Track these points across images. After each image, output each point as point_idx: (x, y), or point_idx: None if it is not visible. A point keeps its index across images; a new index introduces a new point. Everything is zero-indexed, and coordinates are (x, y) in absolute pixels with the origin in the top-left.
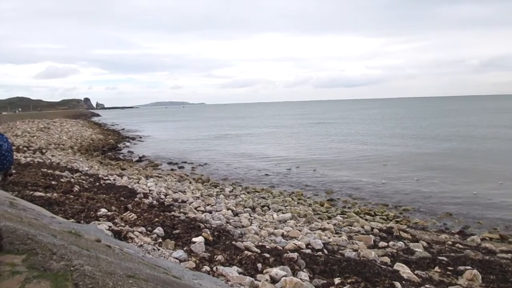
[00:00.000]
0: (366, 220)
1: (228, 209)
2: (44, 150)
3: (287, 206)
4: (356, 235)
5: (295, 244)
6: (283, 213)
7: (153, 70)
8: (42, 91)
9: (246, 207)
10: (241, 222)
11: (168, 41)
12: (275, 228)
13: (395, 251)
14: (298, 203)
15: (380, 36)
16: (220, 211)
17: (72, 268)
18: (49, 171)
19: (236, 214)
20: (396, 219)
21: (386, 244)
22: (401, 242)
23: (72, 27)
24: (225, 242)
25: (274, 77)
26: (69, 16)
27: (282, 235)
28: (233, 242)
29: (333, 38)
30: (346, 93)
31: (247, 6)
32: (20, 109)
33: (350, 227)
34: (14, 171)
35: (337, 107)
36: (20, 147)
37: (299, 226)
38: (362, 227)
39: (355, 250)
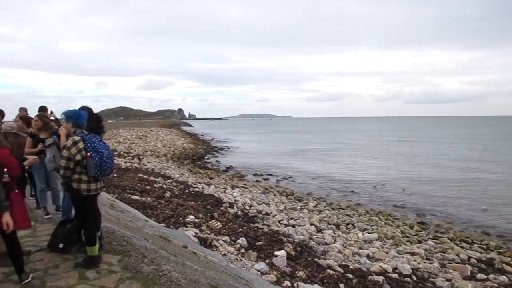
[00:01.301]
0: (462, 247)
1: (311, 224)
2: (141, 157)
3: (373, 225)
4: (450, 263)
5: (381, 267)
6: (369, 232)
7: (241, 83)
8: (142, 101)
9: (330, 224)
10: (324, 239)
11: (257, 55)
12: (360, 248)
13: (496, 285)
14: (385, 223)
15: (475, 49)
16: (304, 226)
17: (160, 273)
18: (144, 176)
19: (319, 230)
20: (498, 250)
21: (485, 276)
22: (504, 276)
23: (170, 43)
24: (307, 258)
25: (362, 91)
26: (168, 33)
27: (367, 256)
28: (315, 259)
29: (425, 51)
30: (440, 110)
31: (335, 21)
32: (122, 118)
33: (443, 254)
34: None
35: (430, 124)
36: (121, 153)
37: (386, 248)
38: (457, 255)
39: (449, 280)
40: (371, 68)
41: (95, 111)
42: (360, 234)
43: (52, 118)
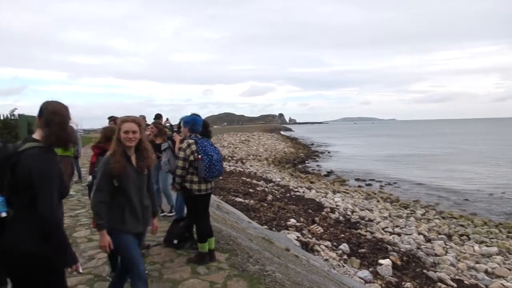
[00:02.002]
0: None
1: (419, 233)
2: (244, 160)
3: (492, 238)
4: None
5: (503, 285)
6: (487, 246)
7: (342, 86)
8: (245, 107)
9: (440, 234)
10: (434, 249)
11: (358, 57)
12: (477, 263)
13: None
14: (507, 236)
15: None
16: (410, 234)
17: (265, 273)
18: (247, 179)
19: (428, 240)
20: None
21: None
22: None
23: (273, 49)
24: (415, 269)
25: (477, 90)
26: (271, 40)
27: (486, 272)
28: (424, 271)
29: None
30: None
31: (441, 17)
32: (225, 123)
33: None
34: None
35: None
36: (226, 156)
37: (508, 264)
38: None
39: None
40: (488, 64)
41: (202, 117)
42: (476, 247)
43: (167, 124)
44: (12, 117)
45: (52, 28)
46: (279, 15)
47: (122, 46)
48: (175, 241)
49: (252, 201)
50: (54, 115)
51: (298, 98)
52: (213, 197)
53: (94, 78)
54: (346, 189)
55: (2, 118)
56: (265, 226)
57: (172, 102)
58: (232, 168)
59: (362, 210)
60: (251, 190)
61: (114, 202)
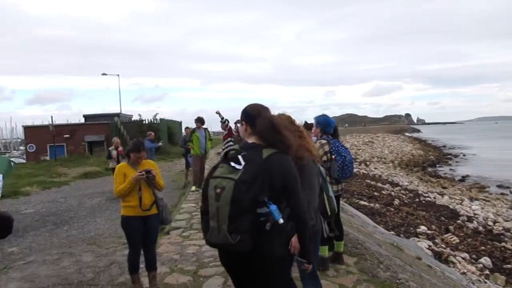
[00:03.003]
0: None
1: None
2: (368, 163)
3: None
4: None
5: None
6: None
7: (480, 82)
8: (368, 107)
9: None
10: None
11: (498, 50)
12: None
13: None
14: None
15: None
16: None
17: (397, 281)
18: (372, 182)
19: None
20: None
21: None
22: None
23: (399, 46)
24: None
25: None
26: (396, 38)
27: None
28: None
29: None
30: None
31: None
32: (347, 125)
33: None
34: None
35: None
36: (352, 156)
37: None
38: None
39: None
40: None
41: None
42: None
43: None
44: (155, 121)
45: (186, 39)
46: (403, 8)
47: (248, 52)
48: None
49: (377, 205)
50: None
51: (427, 96)
52: None
53: (223, 83)
54: (486, 197)
55: (147, 122)
56: (392, 232)
57: (294, 104)
58: (355, 170)
59: (506, 221)
60: (376, 194)
61: None
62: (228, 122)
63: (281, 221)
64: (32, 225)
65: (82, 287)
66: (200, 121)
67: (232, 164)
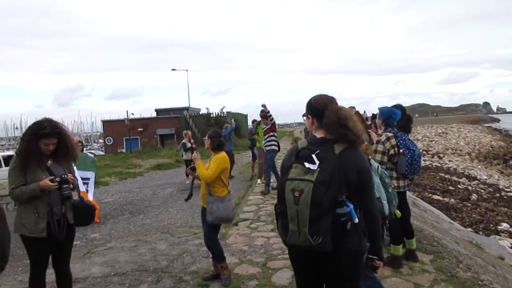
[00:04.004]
0: None
1: None
2: (441, 155)
3: None
4: None
5: None
6: None
7: None
8: (441, 96)
9: None
10: None
11: None
12: None
13: None
14: None
15: None
16: None
17: (480, 283)
18: (446, 176)
19: None
20: None
21: None
22: None
23: (475, 30)
24: None
25: None
26: (472, 21)
27: None
28: None
29: None
30: None
31: None
32: (417, 115)
33: None
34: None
35: None
36: (420, 150)
37: None
38: None
39: None
40: None
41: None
42: None
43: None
44: (222, 114)
45: (251, 32)
46: None
47: (313, 43)
48: None
49: (452, 200)
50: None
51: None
52: (408, 193)
53: (288, 75)
54: None
55: (214, 115)
56: (470, 229)
57: (362, 95)
58: (427, 163)
59: None
60: (450, 188)
61: None
62: (271, 117)
63: (356, 220)
64: (111, 213)
65: (158, 274)
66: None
67: (307, 165)
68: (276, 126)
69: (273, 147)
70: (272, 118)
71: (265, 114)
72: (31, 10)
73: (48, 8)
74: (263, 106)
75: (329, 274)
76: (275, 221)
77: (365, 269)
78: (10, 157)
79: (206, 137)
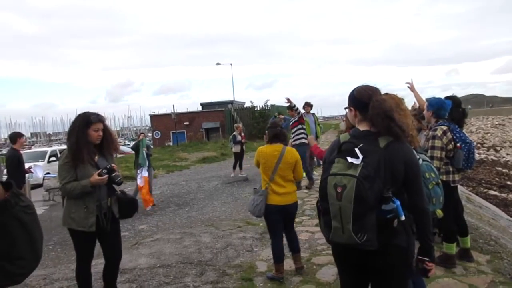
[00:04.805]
0: None
1: None
2: (498, 148)
3: None
4: None
5: None
6: None
7: None
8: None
9: None
10: None
11: None
12: None
13: None
14: None
15: None
16: None
17: None
18: (503, 170)
19: None
20: None
21: None
22: None
23: None
24: None
25: None
26: None
27: None
28: None
29: None
30: None
31: None
32: (470, 106)
33: None
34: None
35: None
36: (474, 143)
37: None
38: None
39: None
40: None
41: (449, 101)
42: None
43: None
44: (266, 107)
45: (295, 25)
46: None
47: (360, 33)
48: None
49: (510, 196)
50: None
51: None
52: (461, 188)
53: (334, 66)
54: None
55: (258, 108)
56: None
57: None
58: (482, 156)
59: None
60: (508, 183)
61: None
62: (298, 109)
63: (403, 218)
64: (159, 205)
65: (202, 267)
66: (308, 105)
67: (349, 159)
68: (304, 118)
69: (303, 140)
70: (300, 111)
71: (290, 106)
72: (87, 11)
73: (101, 8)
74: (287, 100)
75: (376, 273)
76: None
77: (415, 272)
78: None
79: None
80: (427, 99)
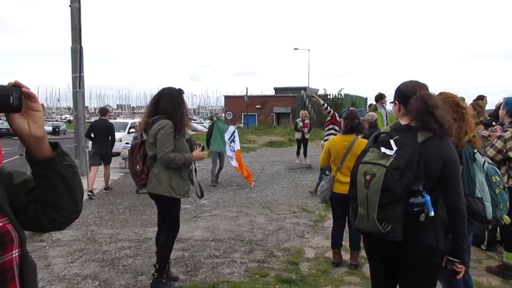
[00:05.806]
0: None
1: None
2: None
3: None
4: None
5: None
6: None
7: None
8: None
9: None
10: None
11: None
12: None
13: None
14: None
15: None
16: None
17: None
18: None
19: None
20: None
21: None
22: None
23: None
24: None
25: None
26: None
27: None
28: None
29: None
30: None
31: None
32: None
33: None
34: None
35: None
36: None
37: None
38: None
39: None
40: None
41: None
42: None
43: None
44: (339, 96)
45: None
46: None
47: (444, 22)
48: (483, 246)
49: None
50: None
51: None
52: None
53: (417, 59)
54: None
55: (331, 97)
56: None
57: (506, 83)
58: None
59: None
60: None
61: None
62: (330, 108)
63: (432, 213)
64: (222, 183)
65: (251, 245)
66: (380, 97)
67: (383, 149)
68: (338, 118)
69: None
70: (330, 110)
71: (327, 110)
72: None
73: None
74: (316, 98)
75: (402, 267)
76: None
77: (444, 272)
78: None
79: None
80: (504, 98)
